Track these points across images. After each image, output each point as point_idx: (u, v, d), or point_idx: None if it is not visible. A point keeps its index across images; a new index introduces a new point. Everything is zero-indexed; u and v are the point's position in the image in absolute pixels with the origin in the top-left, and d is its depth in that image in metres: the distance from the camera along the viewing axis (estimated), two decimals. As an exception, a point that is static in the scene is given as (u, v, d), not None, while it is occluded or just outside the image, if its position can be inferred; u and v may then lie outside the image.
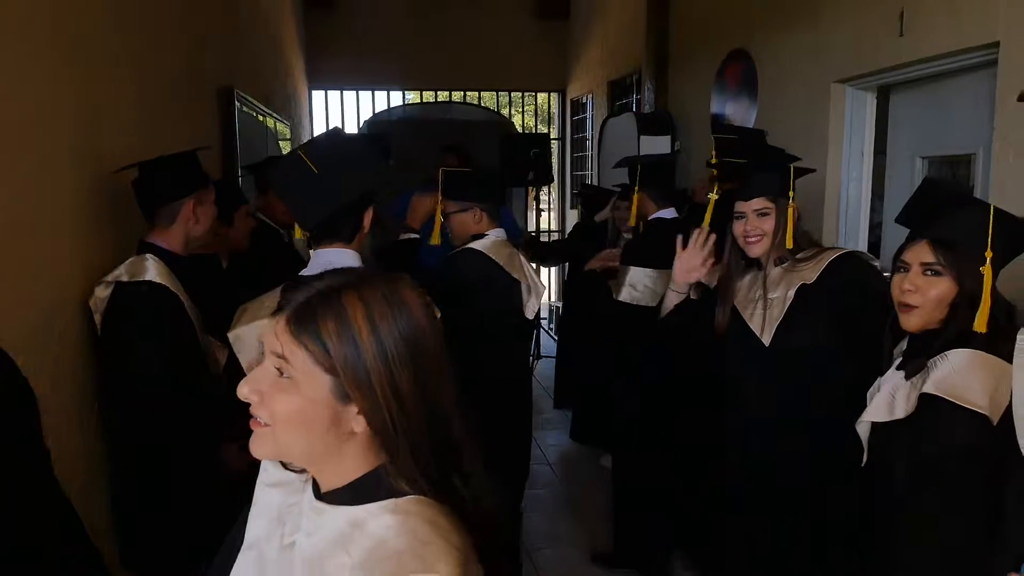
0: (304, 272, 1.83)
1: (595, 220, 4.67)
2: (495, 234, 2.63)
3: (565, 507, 3.94)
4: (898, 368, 1.61)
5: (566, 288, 4.93)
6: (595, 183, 6.52)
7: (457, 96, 8.10)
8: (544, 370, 6.09)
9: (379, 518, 0.86)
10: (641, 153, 4.82)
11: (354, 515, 0.88)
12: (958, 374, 1.48)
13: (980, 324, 1.49)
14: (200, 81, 3.30)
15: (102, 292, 1.98)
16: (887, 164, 3.36)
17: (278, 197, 1.87)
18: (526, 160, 5.65)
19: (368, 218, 1.88)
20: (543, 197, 7.82)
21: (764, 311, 2.13)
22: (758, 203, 2.13)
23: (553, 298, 8.10)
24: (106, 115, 2.21)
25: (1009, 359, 1.44)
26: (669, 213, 3.17)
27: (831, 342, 2.05)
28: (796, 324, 2.10)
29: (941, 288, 1.54)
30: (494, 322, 2.55)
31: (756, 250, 2.16)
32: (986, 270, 1.51)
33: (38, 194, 1.80)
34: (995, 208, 1.55)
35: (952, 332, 1.53)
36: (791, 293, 2.10)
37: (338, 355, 0.84)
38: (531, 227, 7.88)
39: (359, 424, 0.86)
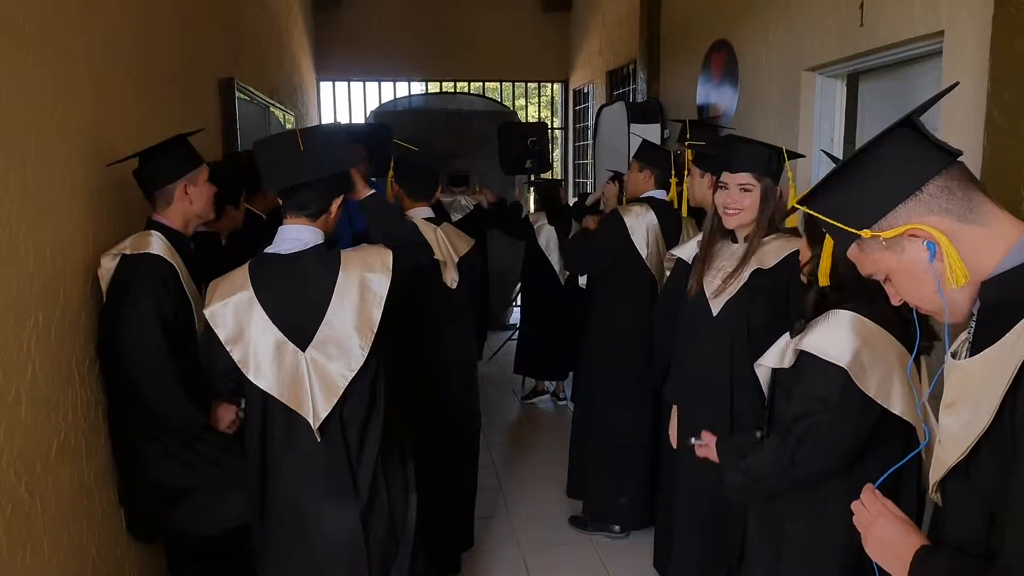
0: (269, 249, 2.00)
1: (586, 204, 4.86)
2: (421, 213, 2.87)
3: (546, 469, 4.13)
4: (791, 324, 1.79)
5: (524, 264, 5.27)
6: (592, 169, 6.68)
7: (463, 87, 8.27)
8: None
9: None
10: (631, 142, 4.98)
11: None
12: (828, 333, 1.61)
13: (823, 279, 1.56)
14: (200, 72, 3.50)
15: (108, 263, 2.18)
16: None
17: (256, 160, 2.03)
18: (524, 149, 5.83)
19: (336, 205, 2.03)
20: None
21: (721, 283, 2.30)
22: (743, 178, 2.23)
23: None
24: (108, 109, 2.41)
25: (883, 318, 1.59)
26: (660, 194, 3.42)
27: (768, 320, 2.21)
28: (742, 302, 2.27)
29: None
30: (428, 300, 2.79)
31: (732, 222, 2.28)
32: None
33: (48, 182, 1.99)
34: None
35: (815, 291, 1.67)
36: (746, 274, 2.26)
37: None
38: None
39: None
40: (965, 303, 1.04)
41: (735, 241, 2.35)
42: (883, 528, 1.14)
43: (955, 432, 1.02)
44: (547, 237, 5.09)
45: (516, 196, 7.29)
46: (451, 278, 2.79)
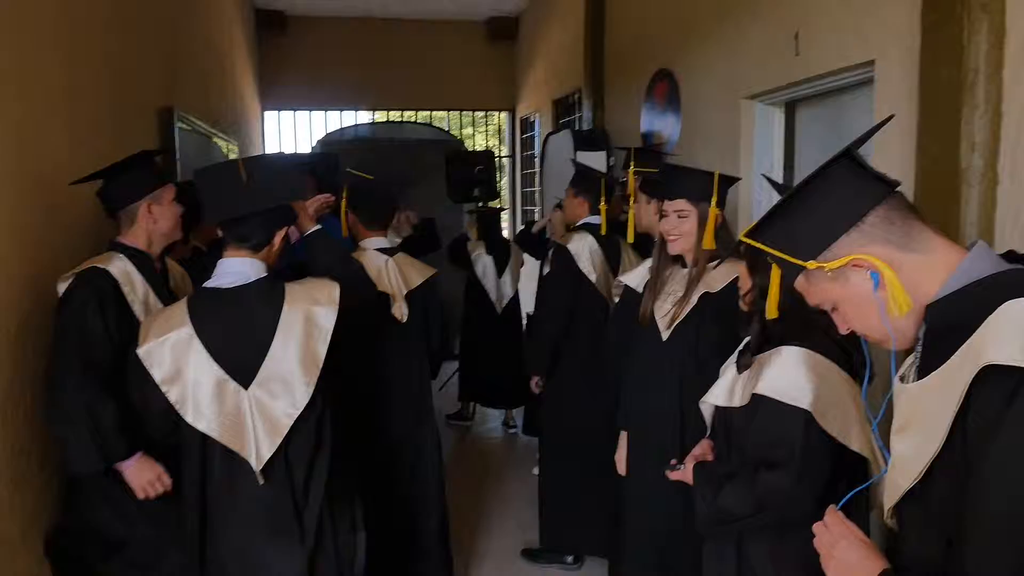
0: (209, 283, 1.93)
1: (532, 231, 4.88)
2: (375, 244, 2.84)
3: (497, 501, 4.07)
4: (737, 359, 1.78)
5: (465, 292, 5.29)
6: (539, 197, 6.71)
7: (410, 116, 8.26)
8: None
9: None
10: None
11: None
12: (784, 373, 1.60)
13: (772, 312, 1.51)
14: (137, 101, 3.41)
15: (63, 287, 2.09)
16: (795, 177, 3.57)
17: (198, 190, 1.98)
18: (471, 177, 5.83)
19: (279, 237, 1.98)
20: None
21: (672, 308, 2.30)
22: (679, 204, 2.28)
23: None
24: (39, 136, 2.31)
25: (829, 350, 1.60)
26: (596, 219, 3.44)
27: (718, 346, 2.20)
28: (691, 326, 2.27)
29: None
30: (376, 335, 2.74)
31: (674, 248, 2.33)
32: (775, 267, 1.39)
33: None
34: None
35: (758, 322, 1.67)
36: (695, 298, 2.28)
37: None
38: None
39: None
40: (910, 330, 1.06)
41: (684, 266, 2.37)
42: (845, 551, 1.13)
43: (908, 456, 1.02)
44: (484, 265, 5.13)
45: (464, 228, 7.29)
46: (400, 312, 2.72)
